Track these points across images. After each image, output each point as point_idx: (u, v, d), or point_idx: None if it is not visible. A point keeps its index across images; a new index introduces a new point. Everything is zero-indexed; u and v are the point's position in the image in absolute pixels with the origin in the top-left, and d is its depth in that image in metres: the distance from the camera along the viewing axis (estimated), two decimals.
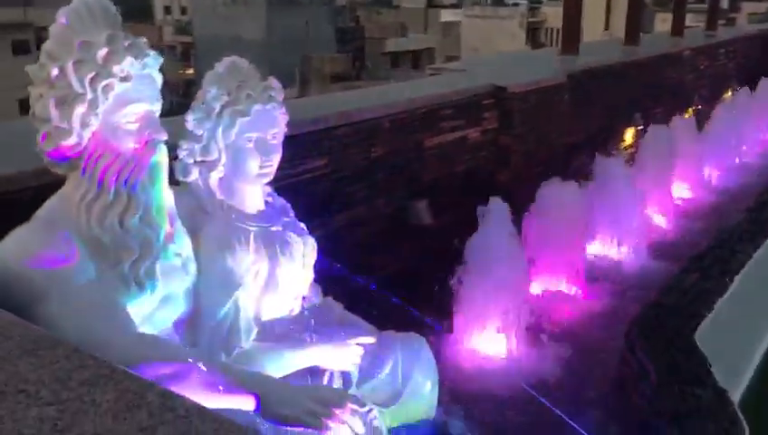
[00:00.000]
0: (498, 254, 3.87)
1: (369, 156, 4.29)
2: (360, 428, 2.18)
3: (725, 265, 4.05)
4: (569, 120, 6.10)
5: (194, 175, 2.78)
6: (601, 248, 5.32)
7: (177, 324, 2.59)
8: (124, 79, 2.26)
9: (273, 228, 2.90)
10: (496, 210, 3.91)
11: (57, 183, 2.35)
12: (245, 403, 2.13)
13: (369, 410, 2.83)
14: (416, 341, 3.26)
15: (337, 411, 2.13)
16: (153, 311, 2.45)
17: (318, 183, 3.96)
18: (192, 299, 2.64)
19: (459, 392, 3.49)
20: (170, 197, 2.55)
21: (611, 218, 5.29)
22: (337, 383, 2.97)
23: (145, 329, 2.35)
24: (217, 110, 2.69)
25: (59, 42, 2.22)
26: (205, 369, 2.10)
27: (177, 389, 2.04)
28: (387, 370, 3.14)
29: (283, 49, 35.02)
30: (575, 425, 3.06)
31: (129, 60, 2.22)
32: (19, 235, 2.18)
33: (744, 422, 2.68)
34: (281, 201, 3.11)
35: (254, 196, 2.87)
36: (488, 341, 3.92)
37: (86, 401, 1.10)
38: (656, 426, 2.90)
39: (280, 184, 3.72)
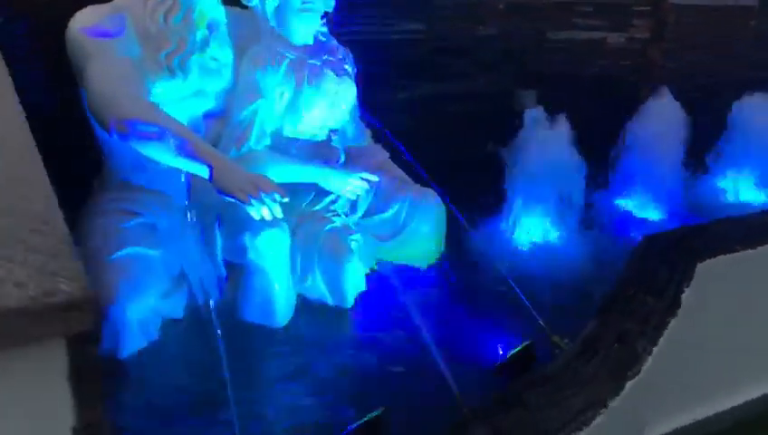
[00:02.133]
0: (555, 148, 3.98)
1: (475, 33, 4.47)
2: (278, 212, 2.69)
3: None
4: (747, 51, 5.54)
5: (254, 1, 3.31)
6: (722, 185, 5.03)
7: (207, 116, 3.23)
8: None
9: (311, 61, 3.36)
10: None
11: None
12: (202, 171, 2.72)
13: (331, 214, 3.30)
14: (427, 194, 3.62)
15: (261, 194, 2.64)
16: (185, 98, 3.10)
17: (411, 47, 4.29)
18: (225, 100, 3.27)
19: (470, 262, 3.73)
20: (219, 11, 3.13)
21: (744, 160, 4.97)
22: (341, 207, 3.47)
23: (174, 111, 3.00)
24: None
25: None
26: (179, 136, 2.71)
27: (155, 145, 2.71)
28: (392, 211, 3.58)
29: None
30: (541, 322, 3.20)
31: None
32: (88, 9, 2.91)
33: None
34: (334, 44, 3.53)
35: (301, 30, 3.33)
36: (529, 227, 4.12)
37: None
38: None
39: (369, 38, 4.16)
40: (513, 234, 4.12)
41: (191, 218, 3.08)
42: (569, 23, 4.85)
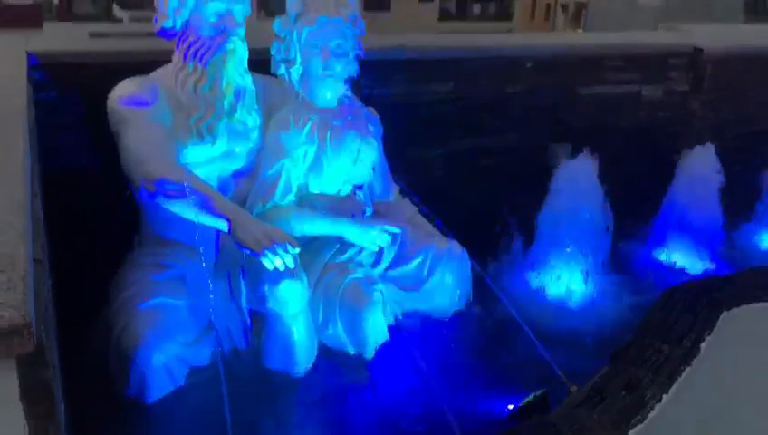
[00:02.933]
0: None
1: (504, 91, 4.61)
2: (289, 262, 2.84)
3: None
4: None
5: (281, 69, 3.55)
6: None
7: (236, 175, 3.45)
8: None
9: (335, 122, 3.56)
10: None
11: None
12: (222, 225, 2.92)
13: (348, 264, 3.42)
14: (451, 246, 3.70)
15: (274, 245, 2.81)
16: (215, 159, 3.34)
17: (441, 106, 4.45)
18: (253, 160, 3.49)
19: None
20: (246, 79, 3.37)
21: None
22: (366, 259, 3.59)
23: (205, 172, 3.25)
24: (293, 18, 3.42)
25: None
26: (201, 193, 2.92)
27: (179, 202, 2.92)
28: (416, 262, 3.67)
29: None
30: (559, 373, 3.21)
31: None
32: (125, 81, 3.21)
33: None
34: (358, 106, 3.72)
35: (324, 94, 3.54)
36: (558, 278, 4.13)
37: None
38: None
39: (399, 101, 4.35)
40: (541, 285, 4.14)
41: (219, 271, 3.28)
42: (600, 77, 4.93)
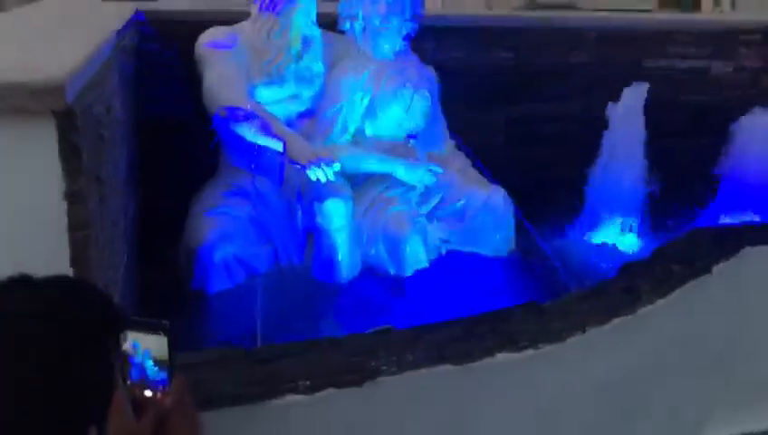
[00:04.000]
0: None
1: (567, 60, 4.84)
2: (330, 175, 3.29)
3: None
4: None
5: (347, 25, 4.02)
6: None
7: (301, 116, 3.94)
8: None
9: (390, 72, 3.98)
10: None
11: None
12: (278, 145, 3.40)
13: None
14: (494, 190, 4.01)
15: (320, 160, 3.26)
16: (282, 101, 3.85)
17: (502, 73, 4.74)
18: (316, 103, 3.96)
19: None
20: (313, 30, 3.88)
21: None
22: (413, 197, 3.97)
23: (273, 111, 3.74)
24: None
25: None
26: (262, 119, 3.43)
27: (245, 125, 3.45)
28: (460, 203, 4.02)
29: None
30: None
31: None
32: (211, 29, 3.78)
33: None
34: (414, 60, 4.13)
35: (382, 46, 3.97)
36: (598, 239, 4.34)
37: None
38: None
39: (460, 64, 4.70)
40: (590, 242, 4.34)
41: (281, 195, 3.77)
42: (666, 51, 5.03)
